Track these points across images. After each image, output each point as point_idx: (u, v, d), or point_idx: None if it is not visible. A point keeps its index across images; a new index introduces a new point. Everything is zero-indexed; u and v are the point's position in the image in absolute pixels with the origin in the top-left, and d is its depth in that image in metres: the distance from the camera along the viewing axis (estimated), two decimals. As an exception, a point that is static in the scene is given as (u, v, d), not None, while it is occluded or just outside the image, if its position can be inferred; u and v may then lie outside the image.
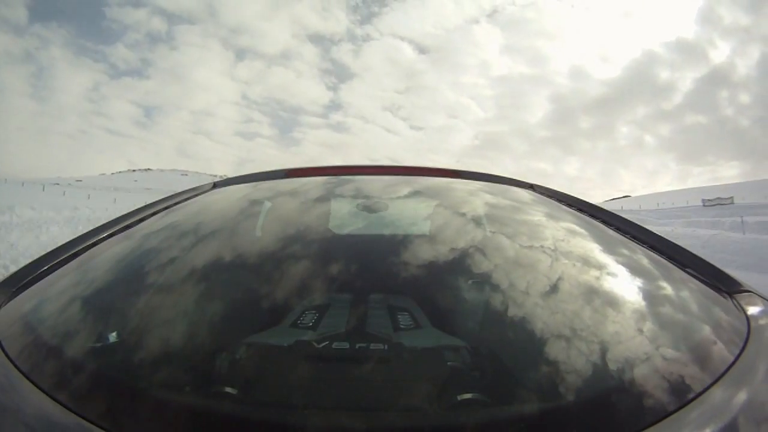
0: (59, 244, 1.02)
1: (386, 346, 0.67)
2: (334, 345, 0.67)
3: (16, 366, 0.61)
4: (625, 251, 0.97)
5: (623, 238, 1.04)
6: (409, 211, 1.35)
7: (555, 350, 0.69)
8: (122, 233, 1.08)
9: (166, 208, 1.24)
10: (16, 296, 0.83)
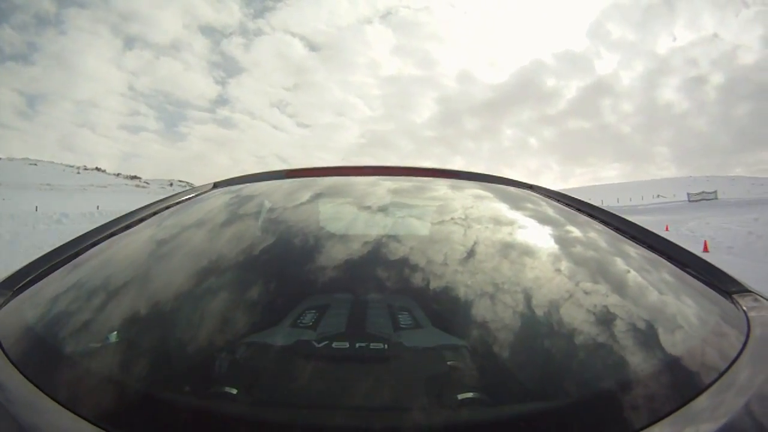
0: None
1: (386, 346, 0.67)
2: (334, 345, 0.67)
3: (16, 366, 0.61)
4: (624, 251, 0.98)
5: (623, 238, 1.04)
6: (409, 212, 1.35)
7: (555, 350, 0.69)
8: (122, 233, 1.08)
9: (166, 208, 1.24)
10: (16, 296, 0.82)
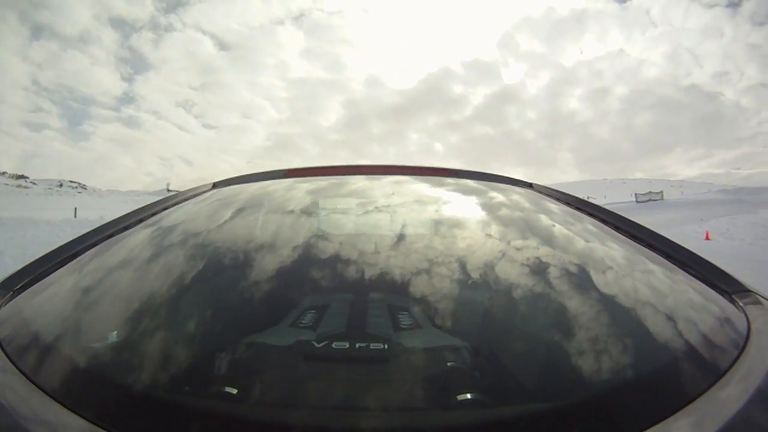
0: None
1: (386, 346, 0.67)
2: (334, 345, 0.67)
3: (16, 366, 0.60)
4: (624, 251, 0.98)
5: (623, 237, 1.05)
6: (408, 211, 1.36)
7: (555, 350, 0.69)
8: (122, 233, 1.07)
9: (165, 208, 1.24)
10: (16, 296, 0.82)
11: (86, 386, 0.58)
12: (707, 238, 10.64)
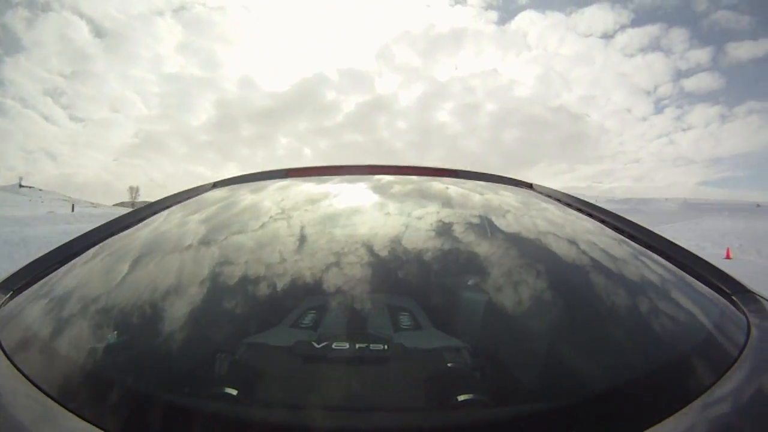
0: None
1: (386, 347, 0.67)
2: (334, 345, 0.67)
3: (16, 366, 0.61)
4: (624, 251, 0.97)
5: (622, 237, 1.04)
6: (408, 211, 1.35)
7: (555, 350, 0.69)
8: (121, 233, 1.07)
9: (165, 207, 1.24)
10: (16, 296, 0.82)
11: (86, 386, 0.58)
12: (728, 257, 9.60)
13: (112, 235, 1.06)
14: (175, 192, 1.38)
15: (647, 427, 0.49)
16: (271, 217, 1.14)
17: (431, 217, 1.25)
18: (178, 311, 0.75)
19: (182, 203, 1.28)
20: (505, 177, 1.52)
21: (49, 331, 0.70)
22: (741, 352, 0.63)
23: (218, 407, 0.56)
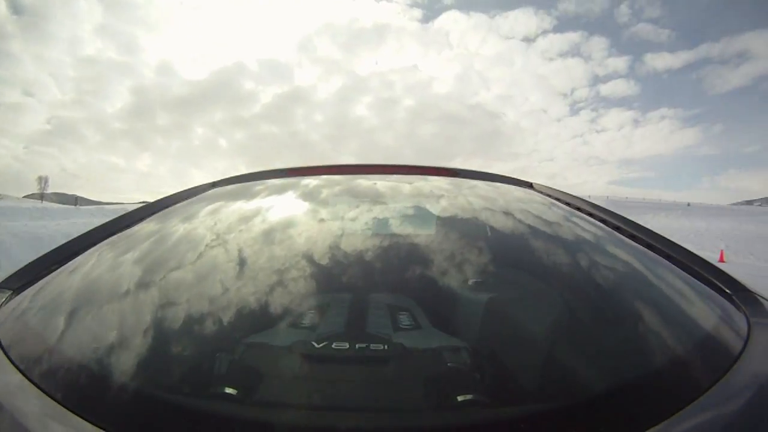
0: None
1: (386, 346, 0.67)
2: (334, 345, 0.67)
3: (16, 366, 0.61)
4: (624, 251, 0.97)
5: (623, 237, 1.04)
6: (408, 211, 1.35)
7: (555, 350, 0.69)
8: (122, 233, 1.07)
9: (165, 207, 1.24)
10: (16, 296, 0.82)
11: (86, 386, 0.58)
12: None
13: (113, 234, 1.06)
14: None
15: (648, 427, 0.49)
16: (271, 216, 1.14)
17: (431, 217, 1.25)
18: (178, 311, 0.75)
19: (182, 203, 1.28)
20: (506, 176, 1.52)
21: (49, 330, 0.70)
22: (741, 352, 0.62)
23: (218, 406, 0.56)
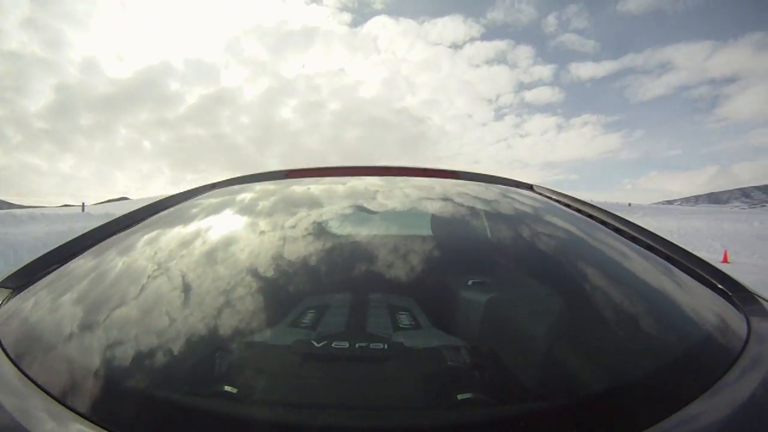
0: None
1: (386, 346, 0.67)
2: (334, 344, 0.67)
3: (16, 365, 0.61)
4: (624, 252, 0.98)
5: (623, 238, 1.05)
6: (408, 212, 1.35)
7: (555, 350, 0.69)
8: (122, 233, 1.08)
9: (165, 208, 1.24)
10: (16, 296, 0.82)
11: (86, 385, 0.58)
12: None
13: (113, 234, 1.07)
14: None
15: (647, 427, 0.49)
16: (270, 217, 1.14)
17: (431, 218, 1.26)
18: (178, 310, 0.75)
19: (182, 204, 1.29)
20: (506, 178, 1.52)
21: (49, 329, 0.70)
22: (741, 352, 0.63)
23: (218, 406, 0.56)
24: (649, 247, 1.00)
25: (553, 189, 1.42)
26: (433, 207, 1.31)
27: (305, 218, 1.14)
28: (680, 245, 0.99)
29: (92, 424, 0.50)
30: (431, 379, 0.63)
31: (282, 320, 0.74)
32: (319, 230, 1.11)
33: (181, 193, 1.39)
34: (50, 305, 0.78)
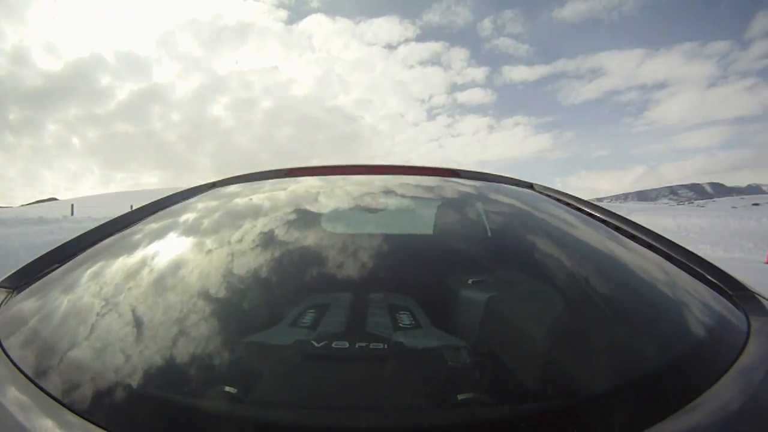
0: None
1: (386, 346, 0.67)
2: (334, 344, 0.67)
3: (15, 365, 0.61)
4: (624, 251, 0.98)
5: (623, 237, 1.04)
6: (408, 211, 1.35)
7: (555, 350, 0.69)
8: (122, 233, 1.07)
9: (165, 207, 1.24)
10: (15, 295, 0.82)
11: (86, 385, 0.58)
12: None
13: (113, 234, 1.07)
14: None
15: (647, 427, 0.49)
16: (271, 216, 1.14)
17: (432, 217, 1.26)
18: (178, 310, 0.75)
19: (182, 203, 1.29)
20: (506, 177, 1.52)
21: (49, 329, 0.70)
22: (741, 352, 0.63)
23: (218, 406, 0.56)
24: (649, 246, 1.00)
25: (553, 188, 1.42)
26: (433, 206, 1.31)
27: (305, 217, 1.14)
28: (680, 244, 0.99)
29: (92, 425, 0.50)
30: (431, 378, 0.63)
31: (282, 320, 0.74)
32: (319, 229, 1.11)
33: (181, 192, 1.39)
34: (50, 305, 0.78)
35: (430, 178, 1.48)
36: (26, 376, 0.58)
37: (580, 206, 1.26)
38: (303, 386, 0.61)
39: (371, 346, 0.67)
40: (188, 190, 1.41)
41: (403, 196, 1.37)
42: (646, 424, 0.49)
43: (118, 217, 1.17)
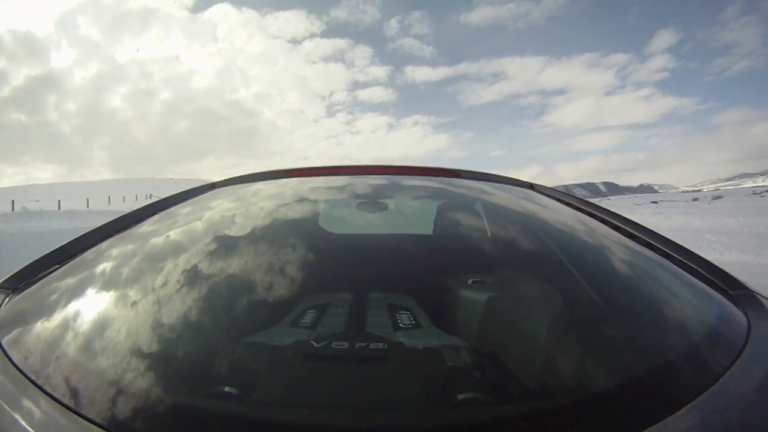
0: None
1: (386, 346, 0.67)
2: (334, 344, 0.67)
3: (16, 366, 0.61)
4: (624, 250, 0.98)
5: (623, 237, 1.04)
6: (408, 211, 1.35)
7: (555, 350, 0.69)
8: (122, 233, 1.08)
9: (165, 208, 1.24)
10: (16, 296, 0.82)
11: (86, 385, 0.58)
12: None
13: (113, 234, 1.07)
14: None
15: (647, 427, 0.49)
16: (271, 217, 1.14)
17: (431, 217, 1.26)
18: (178, 310, 0.75)
19: (182, 203, 1.28)
20: (506, 177, 1.52)
21: (49, 330, 0.70)
22: (741, 352, 0.63)
23: (218, 406, 0.56)
24: (650, 246, 1.00)
25: (552, 188, 1.42)
26: (434, 206, 1.31)
27: (305, 217, 1.14)
28: (680, 243, 0.99)
29: (92, 425, 0.50)
30: (431, 378, 0.63)
31: (282, 320, 0.74)
32: (320, 229, 1.11)
33: (181, 193, 1.39)
34: (50, 306, 0.78)
35: (430, 178, 1.48)
36: (26, 376, 0.58)
37: (580, 206, 1.26)
38: (303, 386, 0.61)
39: (371, 346, 0.67)
40: (188, 191, 1.41)
41: (403, 196, 1.37)
42: (647, 423, 0.49)
43: (118, 217, 1.17)
